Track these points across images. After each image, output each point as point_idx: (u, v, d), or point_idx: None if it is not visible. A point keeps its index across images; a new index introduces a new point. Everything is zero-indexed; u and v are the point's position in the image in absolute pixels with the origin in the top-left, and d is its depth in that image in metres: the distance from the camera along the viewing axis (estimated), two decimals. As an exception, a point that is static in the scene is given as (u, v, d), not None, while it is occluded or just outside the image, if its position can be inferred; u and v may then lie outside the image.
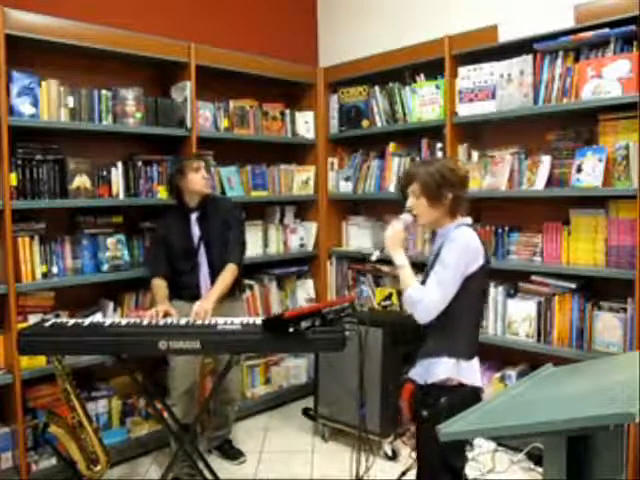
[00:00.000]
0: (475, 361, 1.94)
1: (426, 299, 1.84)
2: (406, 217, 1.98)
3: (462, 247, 1.85)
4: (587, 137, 2.83)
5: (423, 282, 1.93)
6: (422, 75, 3.41)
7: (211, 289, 2.74)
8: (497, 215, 3.18)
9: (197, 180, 2.83)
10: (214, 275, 2.84)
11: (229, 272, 2.77)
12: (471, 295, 1.89)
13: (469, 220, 1.98)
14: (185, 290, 2.84)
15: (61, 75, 2.86)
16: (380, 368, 2.99)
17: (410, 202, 1.97)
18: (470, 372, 1.91)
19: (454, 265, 1.83)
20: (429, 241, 3.39)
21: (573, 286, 2.84)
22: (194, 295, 2.79)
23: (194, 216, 2.87)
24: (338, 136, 3.92)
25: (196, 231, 2.87)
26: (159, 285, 2.80)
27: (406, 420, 2.12)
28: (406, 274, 1.93)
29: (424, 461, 1.99)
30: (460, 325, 1.90)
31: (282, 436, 3.38)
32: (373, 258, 2.07)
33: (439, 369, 1.88)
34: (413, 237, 3.51)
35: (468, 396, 1.84)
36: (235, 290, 3.01)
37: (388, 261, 3.59)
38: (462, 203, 1.95)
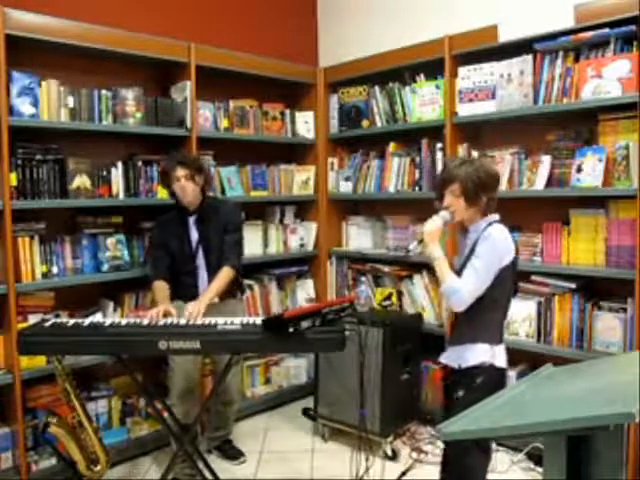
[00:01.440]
0: (503, 345, 2.13)
1: (463, 289, 2.00)
2: (445, 214, 2.13)
3: (497, 242, 2.02)
4: (587, 137, 2.83)
5: (457, 273, 2.07)
6: (422, 75, 3.41)
7: (205, 290, 2.74)
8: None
9: (177, 191, 2.78)
10: (212, 278, 2.84)
11: (224, 275, 2.75)
12: (503, 286, 2.05)
13: (497, 216, 2.13)
14: (185, 291, 2.84)
15: (61, 75, 2.86)
16: (380, 368, 2.99)
17: (448, 200, 2.10)
18: (501, 355, 2.10)
19: (489, 259, 2.00)
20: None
21: (573, 286, 2.84)
22: (193, 297, 2.78)
23: (192, 219, 2.85)
24: (338, 136, 3.92)
25: (194, 234, 2.85)
26: (160, 287, 2.79)
27: (436, 402, 2.29)
28: (443, 266, 2.08)
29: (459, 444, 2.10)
30: (493, 313, 2.08)
31: (282, 436, 3.38)
32: (411, 248, 2.30)
33: (476, 354, 2.05)
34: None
35: (499, 376, 2.08)
36: (236, 292, 3.02)
37: (389, 261, 3.63)
38: (493, 203, 2.11)
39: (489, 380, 2.02)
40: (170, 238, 2.85)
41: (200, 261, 2.86)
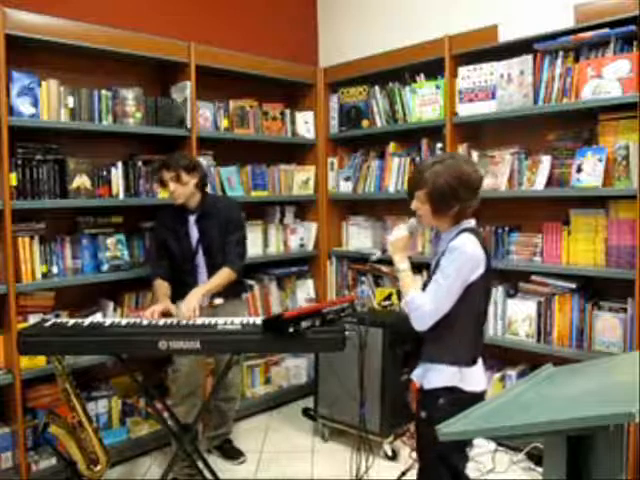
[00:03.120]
0: (477, 366, 1.90)
1: (422, 308, 1.81)
2: (413, 222, 1.97)
3: (463, 257, 1.79)
4: (587, 137, 2.83)
5: (424, 286, 1.89)
6: (422, 75, 3.41)
7: (200, 285, 2.72)
8: (497, 215, 3.18)
9: (169, 193, 2.78)
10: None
11: (223, 274, 2.73)
12: (472, 301, 1.84)
13: (473, 222, 1.91)
14: (185, 291, 2.84)
15: (61, 75, 2.86)
16: (380, 368, 2.99)
17: (414, 205, 1.90)
18: (471, 379, 1.86)
19: (454, 275, 1.79)
20: (431, 242, 3.40)
21: (573, 286, 2.84)
22: None
23: (192, 218, 2.84)
24: (338, 136, 3.92)
25: (195, 233, 2.84)
26: (160, 284, 2.80)
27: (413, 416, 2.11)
28: (406, 280, 1.90)
29: (425, 461, 1.98)
30: (460, 331, 1.86)
31: (282, 436, 3.38)
32: (373, 258, 2.07)
33: (438, 377, 1.85)
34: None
35: (469, 400, 1.71)
36: (240, 292, 3.03)
37: (389, 261, 3.62)
38: (469, 210, 1.88)
39: (455, 402, 1.76)
40: (170, 236, 2.84)
41: (200, 260, 2.85)
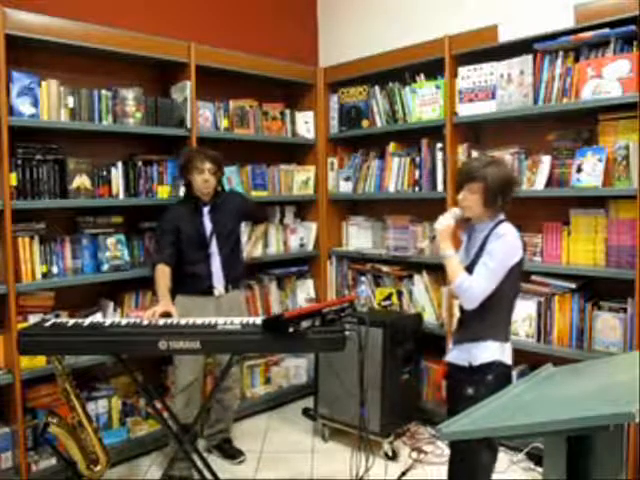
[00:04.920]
0: (510, 343, 2.14)
1: (474, 287, 2.01)
2: (456, 211, 2.15)
3: (509, 242, 2.03)
4: (587, 137, 2.83)
5: (468, 270, 2.07)
6: (422, 75, 3.41)
7: None
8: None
9: (198, 182, 2.84)
10: (226, 267, 2.89)
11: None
12: (511, 284, 2.06)
13: (502, 216, 2.12)
14: (195, 281, 2.86)
15: (61, 75, 2.86)
16: (380, 368, 2.99)
17: (462, 195, 2.11)
18: (509, 353, 2.12)
19: (501, 258, 2.01)
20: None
21: (573, 286, 2.84)
22: (205, 286, 2.85)
23: (206, 209, 2.91)
24: (338, 136, 3.92)
25: (208, 223, 2.89)
26: (162, 272, 2.73)
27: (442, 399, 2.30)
28: (454, 264, 2.09)
29: (462, 448, 2.10)
30: (501, 311, 2.09)
31: (282, 436, 3.38)
32: (424, 246, 2.44)
33: (487, 352, 2.06)
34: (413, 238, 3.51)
35: (507, 374, 2.09)
36: (240, 282, 3.11)
37: (388, 261, 3.63)
38: (507, 206, 2.11)
39: (499, 377, 2.03)
40: (184, 225, 2.86)
41: (214, 248, 2.89)
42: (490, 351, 2.07)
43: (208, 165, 2.82)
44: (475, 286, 2.01)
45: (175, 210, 2.92)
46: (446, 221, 2.14)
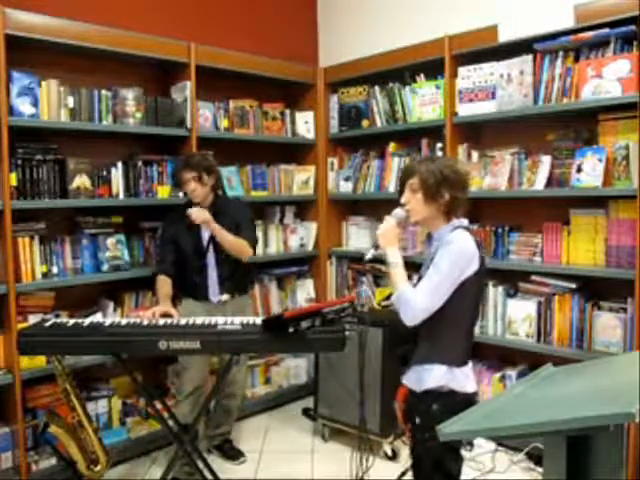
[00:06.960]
0: (468, 367, 1.90)
1: (414, 303, 1.79)
2: (398, 212, 1.93)
3: (457, 252, 1.79)
4: (587, 137, 2.83)
5: (416, 285, 1.88)
6: (422, 75, 3.41)
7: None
8: (497, 215, 3.18)
9: (188, 193, 2.83)
10: (222, 276, 2.87)
11: (239, 238, 2.79)
12: (465, 300, 1.83)
13: (465, 222, 1.92)
14: (195, 288, 2.87)
15: (61, 75, 2.86)
16: (380, 368, 2.99)
17: (405, 196, 1.91)
18: (462, 379, 1.86)
19: (447, 271, 1.77)
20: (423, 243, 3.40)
21: (573, 286, 2.84)
22: (203, 295, 2.86)
23: None
24: (338, 136, 3.92)
25: (205, 232, 2.86)
26: (163, 281, 2.79)
27: (400, 424, 2.09)
28: (397, 273, 1.87)
29: (419, 466, 1.95)
30: (452, 331, 1.85)
31: (282, 436, 3.38)
32: (368, 256, 2.01)
33: (431, 376, 1.84)
34: (413, 238, 3.51)
35: (460, 403, 1.75)
36: (247, 287, 3.08)
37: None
38: (459, 205, 1.88)
39: (448, 406, 1.73)
40: (181, 234, 2.86)
41: (210, 258, 2.87)
42: (435, 377, 1.83)
43: (189, 175, 2.76)
44: (415, 300, 1.78)
45: (175, 218, 2.90)
46: (387, 224, 1.92)
